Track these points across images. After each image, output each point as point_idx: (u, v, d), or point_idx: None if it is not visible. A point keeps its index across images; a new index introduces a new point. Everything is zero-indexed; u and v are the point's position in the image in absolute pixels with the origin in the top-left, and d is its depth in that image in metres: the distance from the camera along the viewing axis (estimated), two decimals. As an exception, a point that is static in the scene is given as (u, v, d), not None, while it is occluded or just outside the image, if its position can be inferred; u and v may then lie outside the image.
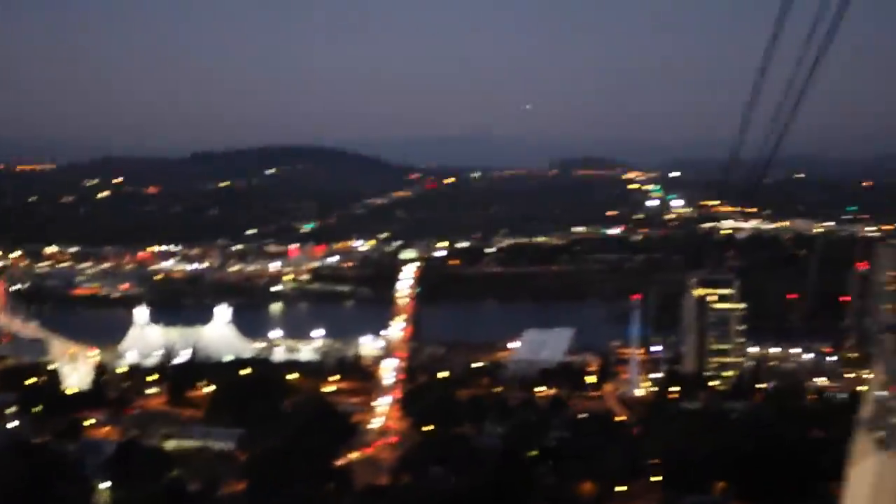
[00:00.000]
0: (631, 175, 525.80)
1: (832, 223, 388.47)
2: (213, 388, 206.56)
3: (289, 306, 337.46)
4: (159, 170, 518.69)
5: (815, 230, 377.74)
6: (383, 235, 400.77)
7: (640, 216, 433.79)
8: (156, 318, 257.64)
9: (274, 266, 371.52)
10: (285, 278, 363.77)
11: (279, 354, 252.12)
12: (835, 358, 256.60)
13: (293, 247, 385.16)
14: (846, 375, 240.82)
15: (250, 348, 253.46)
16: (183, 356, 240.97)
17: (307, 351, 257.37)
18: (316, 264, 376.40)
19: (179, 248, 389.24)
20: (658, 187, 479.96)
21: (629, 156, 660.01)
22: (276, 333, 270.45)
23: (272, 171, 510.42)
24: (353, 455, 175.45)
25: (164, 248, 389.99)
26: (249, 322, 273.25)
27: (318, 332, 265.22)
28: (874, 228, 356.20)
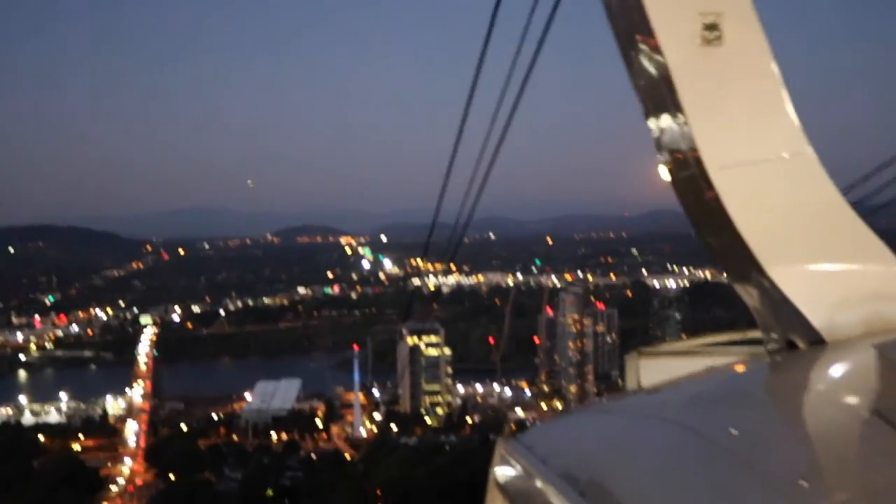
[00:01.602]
0: (346, 240, 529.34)
1: (521, 275, 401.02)
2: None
3: (35, 373, 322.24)
4: None
5: (507, 282, 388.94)
6: (121, 304, 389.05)
7: (356, 276, 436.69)
8: None
9: (19, 336, 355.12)
10: (31, 347, 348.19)
11: (27, 418, 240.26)
12: (530, 392, 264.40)
13: (37, 318, 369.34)
14: (540, 406, 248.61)
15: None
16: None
17: (55, 413, 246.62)
18: (59, 333, 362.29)
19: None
20: (370, 250, 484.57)
21: (344, 223, 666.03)
22: (23, 399, 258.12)
23: (11, 250, 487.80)
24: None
25: None
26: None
27: (65, 396, 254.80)
28: (556, 278, 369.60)
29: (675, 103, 4.29)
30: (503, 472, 4.70)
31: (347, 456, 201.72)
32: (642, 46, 4.53)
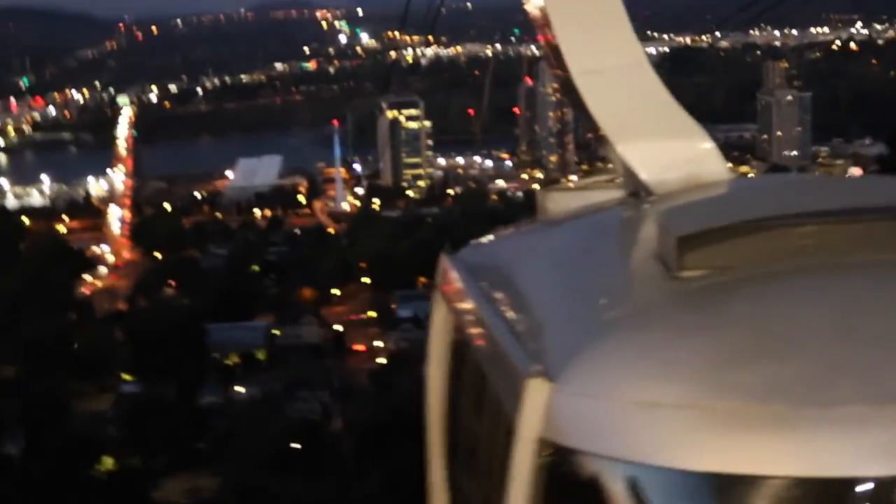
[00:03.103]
0: (322, 14, 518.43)
1: (500, 45, 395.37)
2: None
3: (15, 156, 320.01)
4: None
5: (486, 52, 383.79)
6: (97, 85, 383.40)
7: (333, 50, 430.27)
8: None
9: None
10: (8, 130, 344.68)
11: (11, 201, 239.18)
12: (511, 163, 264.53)
13: (13, 101, 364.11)
14: (521, 176, 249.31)
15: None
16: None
17: (38, 196, 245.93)
18: (37, 116, 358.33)
19: None
20: (346, 24, 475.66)
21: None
22: (5, 182, 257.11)
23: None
24: (92, 286, 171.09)
25: None
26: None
27: (47, 178, 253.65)
28: (535, 47, 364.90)
29: (550, 26, 5.87)
30: (443, 280, 6.12)
31: (331, 230, 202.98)
32: None
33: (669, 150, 5.44)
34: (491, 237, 6.58)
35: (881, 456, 3.12)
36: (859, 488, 3.17)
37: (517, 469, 3.79)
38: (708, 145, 5.58)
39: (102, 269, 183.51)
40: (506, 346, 4.24)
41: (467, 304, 5.35)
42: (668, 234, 4.03)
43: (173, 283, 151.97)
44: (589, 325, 3.94)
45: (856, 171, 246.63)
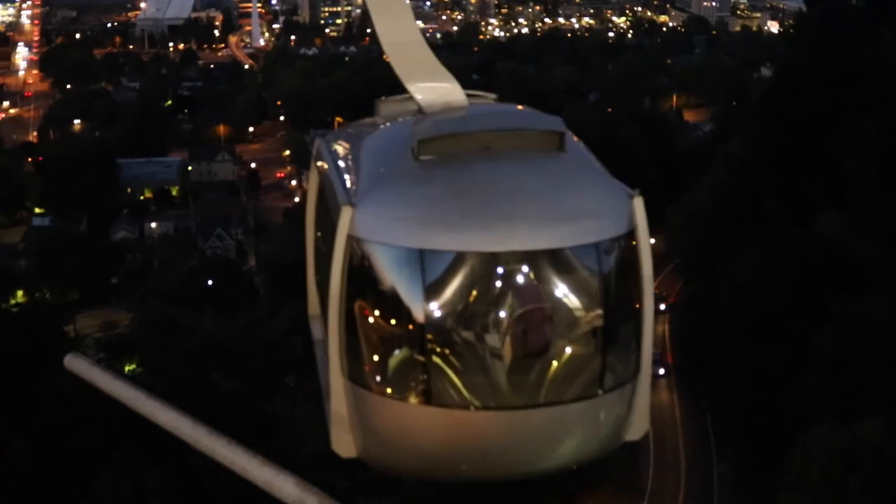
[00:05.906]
0: None
1: None
2: None
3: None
4: None
5: None
6: None
7: None
8: None
9: None
10: None
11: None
12: (430, 2, 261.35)
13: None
14: (441, 17, 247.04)
15: None
16: None
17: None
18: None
19: None
20: None
21: None
22: None
23: None
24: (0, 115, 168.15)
25: None
26: None
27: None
28: None
29: (369, 9, 7.93)
30: (316, 154, 8.78)
31: (246, 66, 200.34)
32: None
33: (433, 90, 7.99)
34: (348, 127, 9.23)
35: (498, 243, 6.36)
36: (491, 258, 6.45)
37: (336, 251, 6.79)
38: (456, 87, 8.07)
39: (11, 100, 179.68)
40: (336, 191, 7.27)
41: (324, 168, 8.29)
42: (415, 136, 7.05)
43: (84, 115, 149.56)
44: (374, 180, 7.01)
45: (773, 25, 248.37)
